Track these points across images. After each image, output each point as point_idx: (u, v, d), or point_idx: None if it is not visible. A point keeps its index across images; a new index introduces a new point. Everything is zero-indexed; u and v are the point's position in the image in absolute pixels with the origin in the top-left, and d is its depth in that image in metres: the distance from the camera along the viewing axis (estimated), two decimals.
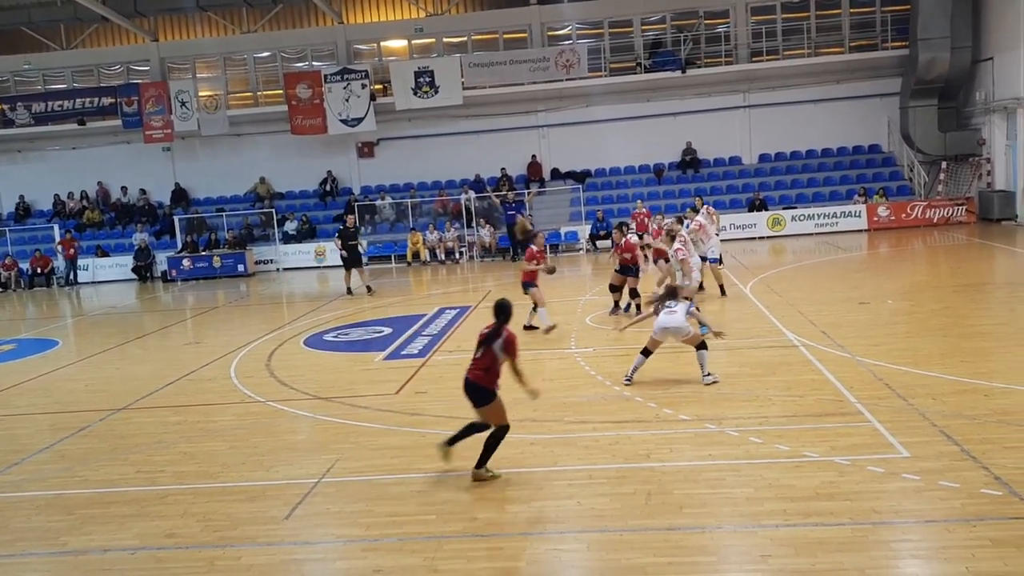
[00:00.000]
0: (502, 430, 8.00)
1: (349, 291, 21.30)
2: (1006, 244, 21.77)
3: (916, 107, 27.84)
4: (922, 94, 27.62)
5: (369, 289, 21.23)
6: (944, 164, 27.59)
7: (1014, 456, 7.46)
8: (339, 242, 21.63)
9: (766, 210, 27.47)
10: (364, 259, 23.18)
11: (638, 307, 14.94)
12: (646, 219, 22.17)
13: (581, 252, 27.56)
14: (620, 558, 6.26)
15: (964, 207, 26.40)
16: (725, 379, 10.84)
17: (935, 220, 26.34)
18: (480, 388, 7.98)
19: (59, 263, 29.57)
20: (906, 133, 28.31)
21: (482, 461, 7.94)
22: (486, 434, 7.98)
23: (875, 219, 26.59)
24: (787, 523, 6.56)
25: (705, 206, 17.71)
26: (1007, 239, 22.54)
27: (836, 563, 5.85)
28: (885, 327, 13.46)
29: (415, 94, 30.02)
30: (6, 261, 29.32)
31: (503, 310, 8.22)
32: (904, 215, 26.47)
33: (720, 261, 17.01)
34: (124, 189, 32.85)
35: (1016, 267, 19.02)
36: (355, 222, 23.51)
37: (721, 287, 16.78)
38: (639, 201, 25.52)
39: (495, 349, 7.98)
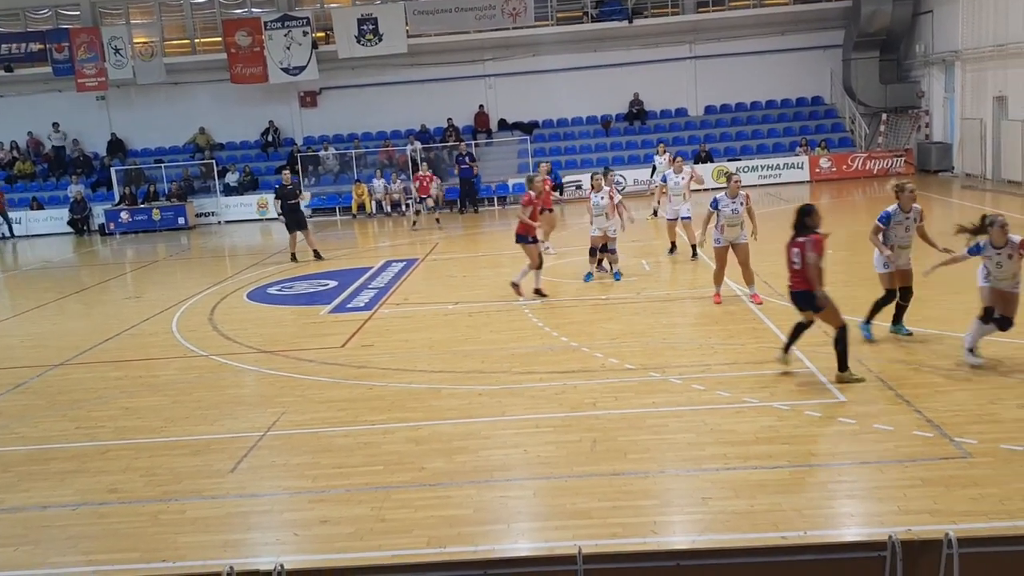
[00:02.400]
0: (842, 331, 8.32)
1: (294, 257, 18.79)
2: (943, 195, 22.29)
3: (858, 59, 28.15)
4: (864, 46, 27.92)
5: (317, 254, 18.80)
6: (884, 116, 28.02)
7: (945, 399, 7.73)
8: (278, 203, 19.30)
9: (712, 162, 27.65)
10: (307, 217, 20.30)
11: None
12: (428, 182, 23.71)
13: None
14: (566, 503, 6.37)
15: (903, 159, 26.92)
16: (670, 329, 11.01)
17: (875, 171, 26.81)
18: (808, 295, 8.45)
19: None
20: (848, 85, 28.64)
21: (842, 365, 8.32)
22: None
23: (817, 171, 26.99)
24: (727, 467, 6.73)
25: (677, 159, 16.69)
26: (944, 190, 23.08)
27: (774, 504, 6.02)
28: (825, 277, 13.70)
29: (358, 42, 29.36)
30: None
31: (808, 214, 8.64)
32: (845, 167, 26.90)
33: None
34: (56, 125, 31.36)
35: (952, 218, 19.49)
36: (291, 178, 20.86)
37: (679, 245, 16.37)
38: (423, 164, 25.56)
39: (809, 258, 8.39)
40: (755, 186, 26.88)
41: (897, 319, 9.95)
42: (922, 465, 6.47)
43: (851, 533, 5.71)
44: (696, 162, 27.73)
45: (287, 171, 21.76)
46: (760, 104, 30.34)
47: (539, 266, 13.23)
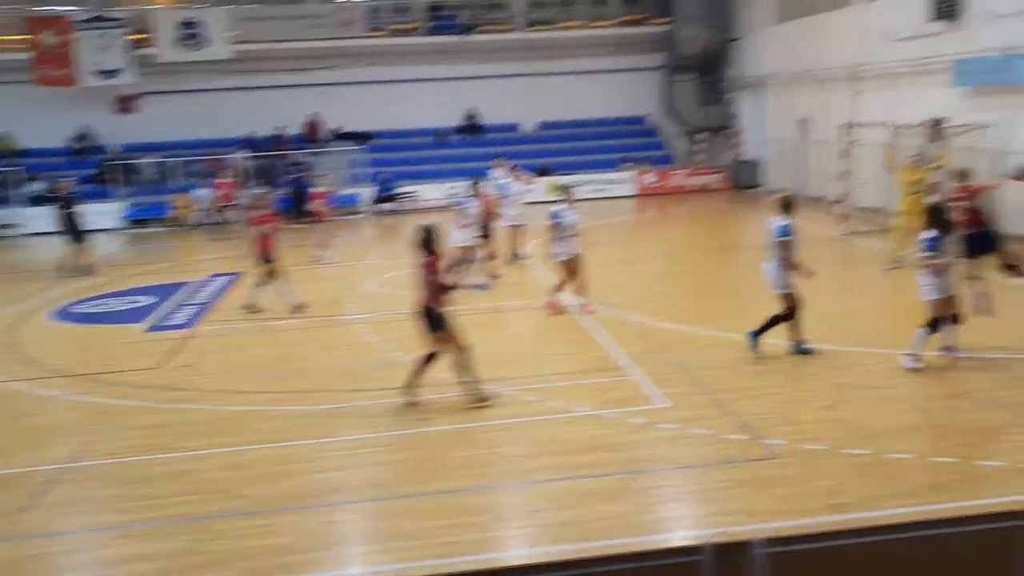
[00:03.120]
0: (459, 354, 8.50)
1: (79, 270, 17.34)
2: (755, 210, 23.76)
3: (678, 81, 29.62)
4: (683, 69, 29.41)
5: (83, 270, 17.37)
6: (703, 135, 29.63)
7: (758, 403, 8.16)
8: (60, 212, 17.63)
9: (549, 176, 28.25)
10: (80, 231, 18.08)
11: None
12: (231, 191, 23.38)
13: (363, 215, 27.09)
14: (394, 525, 6.22)
15: (720, 175, 28.51)
16: (504, 341, 11.06)
17: (695, 187, 28.25)
18: (429, 312, 8.49)
19: None
20: (670, 105, 30.08)
21: (473, 394, 8.46)
22: None
23: (642, 186, 28.13)
24: (557, 478, 6.80)
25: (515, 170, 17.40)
26: (756, 205, 24.61)
27: (602, 512, 6.12)
28: (650, 287, 14.28)
29: (180, 46, 27.99)
30: None
31: (427, 235, 8.49)
32: (668, 182, 28.20)
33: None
34: None
35: (761, 231, 20.80)
36: (71, 184, 19.22)
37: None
38: (227, 171, 25.37)
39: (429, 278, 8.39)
40: (586, 200, 27.67)
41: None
42: (736, 467, 6.78)
43: (675, 537, 5.89)
44: (537, 176, 28.24)
45: (65, 180, 19.92)
46: (590, 121, 31.32)
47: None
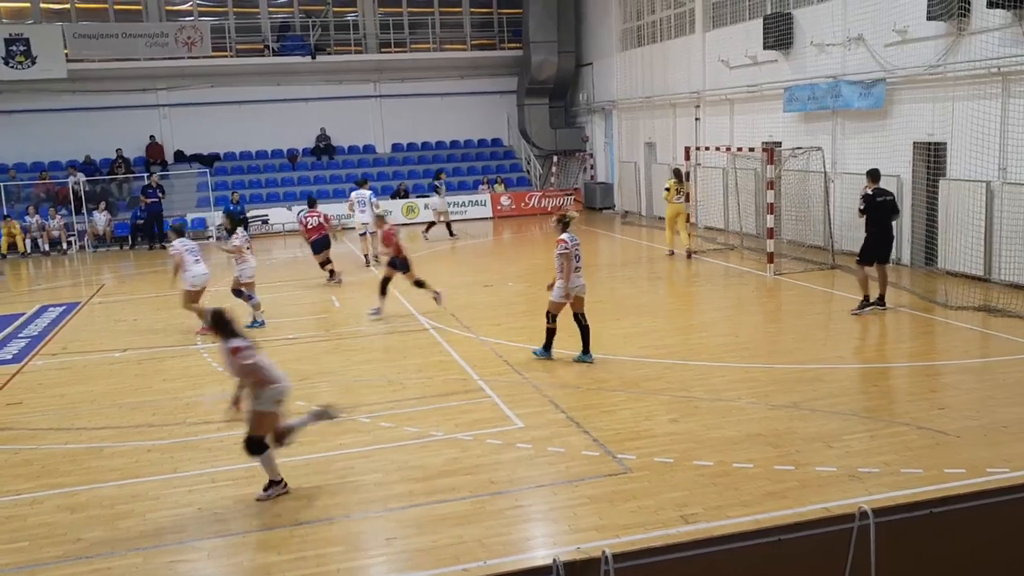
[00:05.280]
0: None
1: None
2: (607, 230, 24.54)
3: (531, 105, 30.29)
4: (535, 93, 30.10)
5: None
6: (555, 158, 30.38)
7: (608, 419, 8.40)
8: None
9: (406, 198, 28.19)
10: None
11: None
12: None
13: (211, 240, 26.14)
14: (246, 560, 6.01)
15: (573, 197, 29.30)
16: (360, 366, 10.91)
17: (549, 208, 28.82)
18: None
19: None
20: (523, 128, 30.68)
21: None
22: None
23: (499, 208, 28.51)
24: (413, 503, 6.76)
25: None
26: (608, 225, 25.42)
27: (456, 537, 6.12)
28: (506, 308, 14.46)
29: (7, 64, 26.26)
30: None
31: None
32: (523, 204, 28.70)
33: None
34: None
35: (614, 251, 21.52)
36: None
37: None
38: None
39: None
40: (443, 222, 27.73)
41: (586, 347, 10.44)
42: (589, 483, 6.95)
43: (529, 557, 5.95)
44: (393, 198, 28.12)
45: None
46: (445, 144, 31.51)
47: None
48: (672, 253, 18.57)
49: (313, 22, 29.57)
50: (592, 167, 30.20)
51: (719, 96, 21.48)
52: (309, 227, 17.12)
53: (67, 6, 28.52)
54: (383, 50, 30.64)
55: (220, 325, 7.03)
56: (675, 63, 23.66)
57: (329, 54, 29.79)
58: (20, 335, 13.68)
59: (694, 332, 12.37)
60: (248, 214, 26.28)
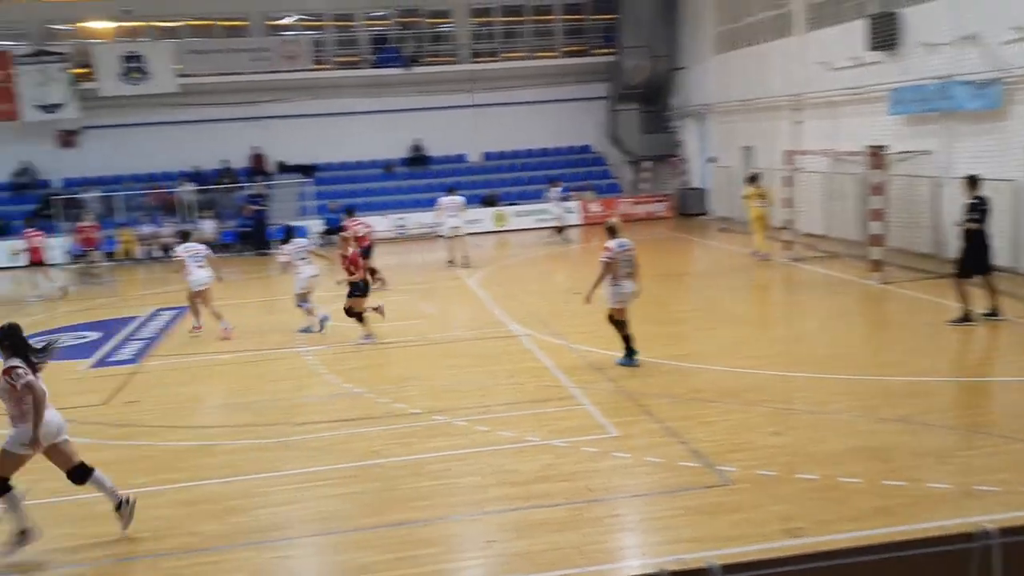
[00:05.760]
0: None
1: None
2: (700, 237, 24.20)
3: (622, 110, 30.14)
4: (627, 98, 29.95)
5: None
6: (647, 164, 30.14)
7: (707, 430, 8.27)
8: None
9: (495, 206, 28.45)
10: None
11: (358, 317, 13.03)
12: (93, 233, 22.80)
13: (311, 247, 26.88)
14: (347, 559, 6.17)
15: (665, 203, 29.01)
16: (452, 371, 11.05)
17: (640, 215, 28.67)
18: None
19: None
20: (614, 134, 30.56)
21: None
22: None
23: (588, 215, 28.43)
24: (510, 508, 6.81)
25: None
26: (700, 232, 25.06)
27: (553, 543, 6.14)
28: (597, 315, 14.36)
29: (123, 80, 27.67)
30: None
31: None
32: (613, 211, 28.53)
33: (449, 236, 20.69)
34: None
35: (707, 258, 21.21)
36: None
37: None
38: (89, 214, 24.75)
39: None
40: (532, 229, 27.87)
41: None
42: (688, 494, 6.86)
43: (627, 566, 5.93)
44: (483, 206, 28.46)
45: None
46: (535, 151, 31.65)
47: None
48: (758, 254, 18.73)
49: (409, 34, 30.18)
50: (686, 172, 29.83)
51: (820, 98, 20.92)
52: (359, 236, 17.62)
53: (179, 24, 29.85)
54: (476, 60, 31.00)
55: (6, 340, 6.52)
56: (774, 65, 23.17)
57: (424, 65, 30.34)
58: (136, 337, 14.38)
59: (794, 342, 12.08)
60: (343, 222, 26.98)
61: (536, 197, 29.49)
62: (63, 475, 7.80)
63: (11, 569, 6.35)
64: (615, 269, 10.38)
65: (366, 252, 17.66)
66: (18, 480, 6.69)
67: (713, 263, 20.14)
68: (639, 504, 6.82)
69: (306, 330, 13.71)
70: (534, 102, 30.81)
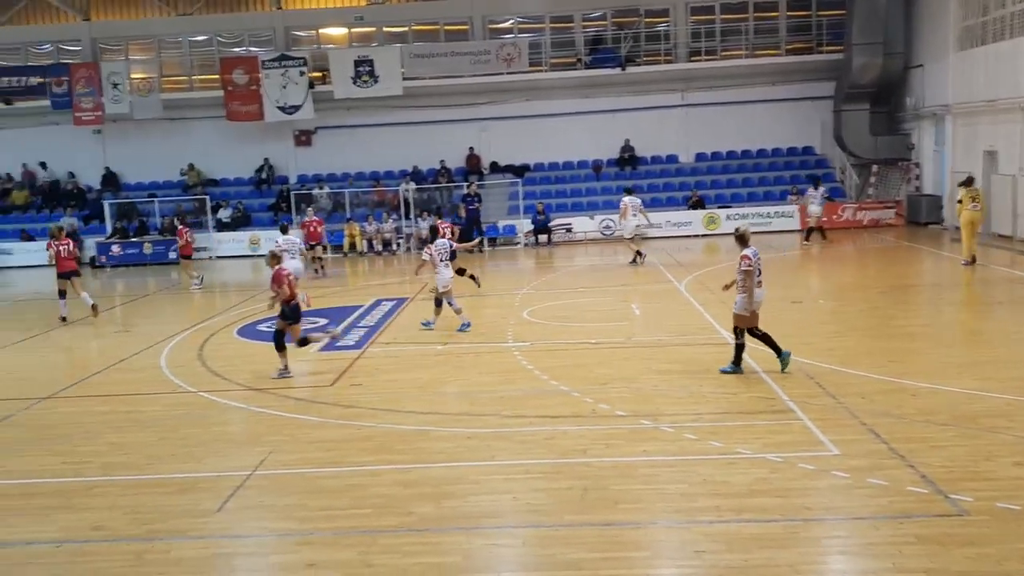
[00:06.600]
0: None
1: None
2: (932, 247, 22.47)
3: (849, 111, 28.50)
4: (855, 98, 28.29)
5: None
6: (875, 167, 28.33)
7: (939, 455, 7.68)
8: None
9: (703, 208, 27.88)
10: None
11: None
12: (318, 227, 22.80)
13: (519, 246, 27.59)
14: (555, 553, 6.27)
15: (893, 210, 27.18)
16: (660, 376, 10.94)
17: (865, 222, 27.03)
18: None
19: None
20: (839, 136, 28.97)
21: None
22: None
23: (807, 220, 27.15)
24: (721, 519, 6.65)
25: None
26: (933, 242, 23.26)
27: (768, 559, 5.94)
28: (815, 326, 13.77)
29: (354, 83, 29.64)
30: None
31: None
32: (835, 216, 27.07)
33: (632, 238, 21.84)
34: (43, 165, 31.61)
35: (941, 270, 19.66)
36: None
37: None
38: (309, 209, 25.49)
39: None
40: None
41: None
42: (917, 522, 6.41)
43: None
44: (690, 208, 28.02)
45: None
46: (751, 152, 30.66)
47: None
48: (966, 262, 18.33)
49: (625, 34, 30.17)
50: (918, 177, 27.77)
51: None
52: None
53: (405, 29, 31.55)
54: (692, 59, 30.49)
55: None
56: None
57: (639, 65, 30.22)
58: (359, 325, 15.36)
59: None
60: (552, 223, 27.48)
61: (753, 200, 28.59)
62: (293, 448, 8.50)
63: (261, 531, 6.99)
64: (752, 277, 10.47)
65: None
66: None
67: (946, 276, 18.64)
68: (861, 527, 6.44)
69: (427, 324, 14.40)
70: (751, 101, 29.87)
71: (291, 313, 11.67)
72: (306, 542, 6.62)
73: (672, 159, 30.97)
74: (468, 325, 14.21)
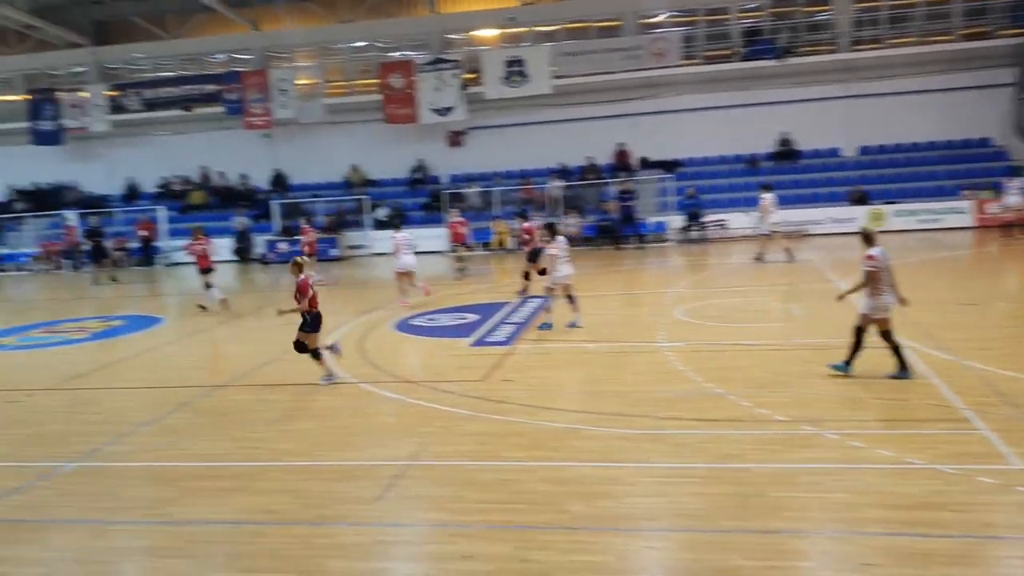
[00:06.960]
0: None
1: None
2: None
3: None
4: None
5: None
6: None
7: None
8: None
9: (866, 204, 26.55)
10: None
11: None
12: (461, 228, 22.98)
13: (669, 243, 27.18)
14: (712, 558, 6.13)
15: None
16: (822, 380, 10.49)
17: None
18: None
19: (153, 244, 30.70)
20: (1021, 127, 26.89)
21: None
22: None
23: (983, 216, 25.35)
24: (890, 532, 6.31)
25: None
26: None
27: None
28: (994, 330, 12.84)
29: (505, 83, 30.06)
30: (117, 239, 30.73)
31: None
32: (1015, 212, 25.09)
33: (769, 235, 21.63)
34: (221, 175, 33.96)
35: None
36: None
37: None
38: (454, 210, 25.60)
39: None
40: (913, 231, 25.64)
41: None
42: None
43: None
44: (852, 203, 26.78)
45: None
46: (920, 145, 28.93)
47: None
48: None
49: (783, 24, 29.15)
50: None
51: None
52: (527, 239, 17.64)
53: (556, 28, 31.70)
54: (856, 48, 29.08)
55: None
56: None
57: (798, 56, 29.11)
58: (508, 321, 15.56)
59: None
60: (705, 217, 26.90)
61: (921, 195, 27.00)
62: (446, 440, 8.70)
63: (418, 520, 7.20)
64: (879, 278, 9.86)
65: (533, 255, 17.38)
66: None
67: None
68: None
69: (545, 326, 14.26)
70: (920, 91, 28.23)
71: (312, 322, 11.58)
72: (462, 534, 6.76)
73: (833, 152, 29.67)
74: (549, 326, 14.21)
